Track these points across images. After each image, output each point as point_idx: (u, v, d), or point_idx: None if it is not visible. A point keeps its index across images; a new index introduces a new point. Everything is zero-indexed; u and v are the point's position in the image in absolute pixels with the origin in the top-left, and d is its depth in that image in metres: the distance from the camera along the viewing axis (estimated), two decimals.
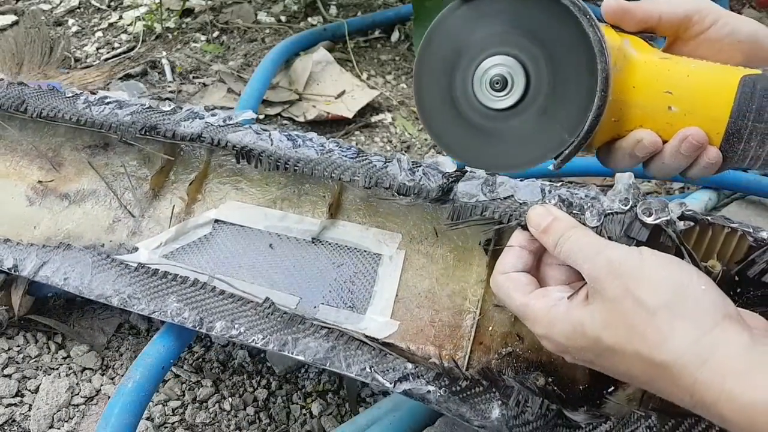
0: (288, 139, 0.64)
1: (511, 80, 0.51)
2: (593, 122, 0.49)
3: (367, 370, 0.56)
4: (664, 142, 0.51)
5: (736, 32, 0.53)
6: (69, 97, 0.71)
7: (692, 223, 0.52)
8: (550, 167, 0.53)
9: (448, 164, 0.59)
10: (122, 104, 0.70)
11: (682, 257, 0.49)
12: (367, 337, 0.59)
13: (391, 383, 0.56)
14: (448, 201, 0.59)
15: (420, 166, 0.60)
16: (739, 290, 0.53)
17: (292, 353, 0.59)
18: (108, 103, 0.70)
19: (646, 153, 0.51)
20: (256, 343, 0.60)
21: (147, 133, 0.68)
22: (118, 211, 0.74)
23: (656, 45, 0.55)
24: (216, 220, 0.71)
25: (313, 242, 0.68)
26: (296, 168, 0.63)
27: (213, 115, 0.68)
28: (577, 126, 0.49)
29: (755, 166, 0.51)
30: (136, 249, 0.70)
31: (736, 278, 0.52)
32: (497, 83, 0.51)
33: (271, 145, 0.64)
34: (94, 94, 0.72)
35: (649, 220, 0.50)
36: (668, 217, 0.50)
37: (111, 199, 0.74)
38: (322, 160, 0.62)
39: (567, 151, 0.50)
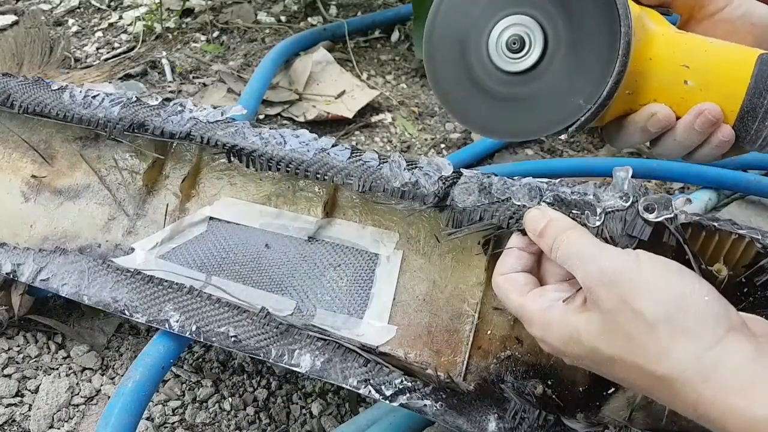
0: (279, 136, 0.62)
1: (529, 40, 0.48)
2: (612, 89, 0.47)
3: (364, 383, 0.55)
4: (677, 118, 0.49)
5: (750, 14, 0.52)
6: (55, 90, 0.69)
7: (695, 217, 0.50)
8: (563, 136, 0.52)
9: (445, 166, 0.57)
10: (109, 98, 0.68)
11: (684, 256, 0.47)
12: (363, 348, 0.58)
13: (386, 398, 0.54)
14: (446, 207, 0.56)
15: (415, 167, 0.58)
16: (745, 290, 0.51)
17: (289, 365, 0.58)
18: (94, 97, 0.68)
19: (660, 128, 0.50)
20: (252, 353, 0.59)
21: (135, 130, 0.66)
22: (112, 208, 0.72)
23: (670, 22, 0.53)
24: (211, 218, 0.70)
25: (310, 241, 0.66)
26: (288, 169, 0.61)
27: (201, 110, 0.66)
28: (594, 92, 0.47)
29: (766, 148, 0.49)
30: (133, 250, 0.69)
31: (743, 281, 0.50)
32: (514, 43, 0.48)
33: (262, 143, 0.62)
34: (80, 87, 0.70)
35: (651, 218, 0.47)
36: (672, 215, 0.47)
37: (105, 194, 0.73)
38: (315, 161, 0.60)
39: (583, 118, 0.48)
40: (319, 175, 0.60)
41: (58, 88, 0.70)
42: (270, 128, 0.63)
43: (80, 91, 0.69)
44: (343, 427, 0.67)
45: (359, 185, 0.58)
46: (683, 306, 0.40)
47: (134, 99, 0.68)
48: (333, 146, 0.61)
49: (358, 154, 0.60)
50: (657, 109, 0.49)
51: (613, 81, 0.47)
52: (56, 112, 0.69)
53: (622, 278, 0.42)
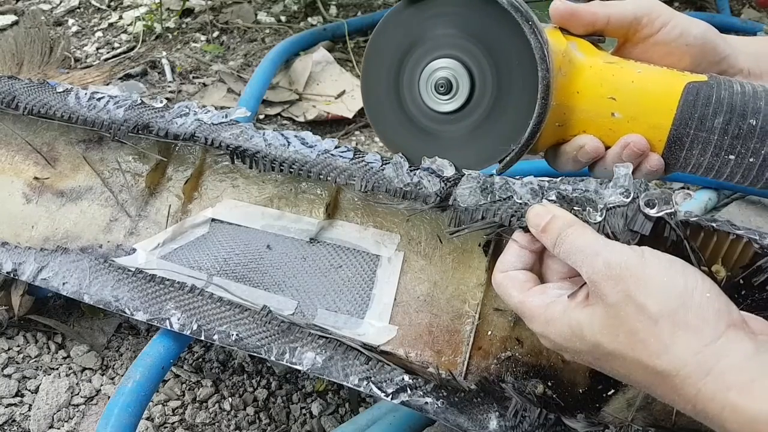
0: (283, 137, 0.63)
1: (456, 84, 0.50)
2: (534, 129, 0.49)
3: (365, 381, 0.55)
4: (607, 147, 0.51)
5: (686, 35, 0.53)
6: (60, 93, 0.70)
7: (693, 217, 0.51)
8: (494, 171, 0.53)
9: (447, 167, 0.57)
10: (114, 100, 0.68)
11: (684, 252, 0.47)
12: (364, 346, 0.58)
13: (388, 395, 0.55)
14: (448, 207, 0.57)
15: (418, 169, 0.58)
16: (743, 292, 0.52)
17: (291, 363, 0.58)
18: (99, 99, 0.68)
19: (589, 159, 0.52)
20: (254, 351, 0.59)
21: (139, 132, 0.67)
22: (114, 210, 0.72)
23: (606, 48, 0.54)
24: (213, 219, 0.70)
25: (311, 242, 0.67)
26: (291, 170, 0.62)
27: (205, 112, 0.66)
28: (519, 133, 0.49)
29: (698, 173, 0.51)
30: (134, 250, 0.70)
31: (741, 282, 0.51)
32: (442, 87, 0.50)
33: (266, 144, 0.63)
34: (85, 89, 0.71)
35: (652, 213, 0.48)
36: (672, 210, 0.48)
37: (107, 196, 0.73)
38: (317, 162, 0.61)
39: (509, 158, 0.51)
40: (321, 176, 0.61)
41: (63, 91, 0.70)
42: (274, 130, 0.64)
43: (85, 94, 0.69)
44: (343, 427, 0.67)
45: (362, 185, 0.59)
46: (685, 302, 0.40)
47: (139, 101, 0.68)
48: (336, 148, 0.62)
49: (361, 155, 0.61)
50: (585, 141, 0.51)
51: (534, 123, 0.49)
52: (61, 114, 0.69)
53: (627, 273, 0.42)
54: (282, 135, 0.63)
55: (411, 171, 0.58)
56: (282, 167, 0.62)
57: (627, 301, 0.41)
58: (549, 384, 0.56)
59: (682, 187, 1.12)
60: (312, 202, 0.68)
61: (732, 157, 0.49)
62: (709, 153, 0.50)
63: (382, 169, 0.59)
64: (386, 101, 0.54)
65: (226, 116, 0.66)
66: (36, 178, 0.75)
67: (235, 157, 0.65)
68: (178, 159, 0.73)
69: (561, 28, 0.52)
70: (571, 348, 0.45)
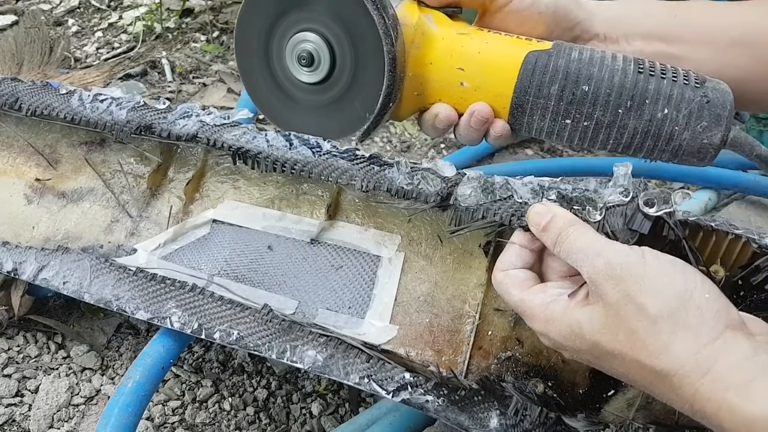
0: (285, 139, 0.63)
1: (317, 57, 0.52)
2: (385, 101, 0.52)
3: (366, 379, 0.56)
4: (461, 115, 0.54)
5: (537, 3, 0.55)
6: (63, 94, 0.70)
7: (692, 217, 0.51)
8: (355, 142, 0.57)
9: (447, 168, 0.58)
10: (117, 102, 0.69)
11: (683, 250, 0.48)
12: (365, 344, 0.58)
13: (389, 393, 0.55)
14: (449, 207, 0.57)
15: (419, 170, 0.59)
16: (742, 293, 0.52)
17: (291, 361, 0.58)
18: (102, 101, 0.69)
19: (445, 125, 0.55)
20: (255, 350, 0.59)
21: (142, 133, 0.67)
22: (116, 211, 0.73)
23: (464, 17, 0.57)
24: (214, 220, 0.70)
25: (312, 243, 0.67)
26: (293, 170, 0.62)
27: (208, 113, 0.67)
28: (373, 104, 0.52)
29: (541, 136, 0.54)
30: (135, 251, 0.70)
31: (740, 282, 0.51)
32: (304, 59, 0.53)
33: (268, 145, 0.63)
34: (88, 91, 0.71)
35: (651, 212, 0.48)
36: (671, 209, 0.48)
37: (109, 197, 0.73)
38: (319, 162, 0.61)
39: (365, 127, 0.54)
40: (323, 177, 0.61)
41: (67, 92, 0.70)
42: (276, 131, 0.64)
43: (88, 95, 0.70)
44: (343, 427, 0.67)
45: (363, 185, 0.59)
46: (685, 302, 0.41)
47: (141, 103, 0.68)
48: (337, 149, 0.62)
49: (362, 156, 0.61)
50: (440, 109, 0.55)
51: (384, 94, 0.51)
52: (64, 115, 0.69)
53: (627, 274, 0.42)
54: (283, 136, 0.63)
55: (412, 171, 0.58)
56: (284, 168, 0.62)
57: (627, 301, 0.42)
58: (549, 384, 0.57)
59: (682, 187, 1.12)
60: (313, 204, 0.68)
61: (568, 121, 0.52)
62: (547, 118, 0.53)
63: (383, 170, 0.59)
64: (257, 62, 0.57)
65: (228, 117, 0.66)
66: (37, 180, 0.76)
67: (237, 158, 0.65)
68: (180, 160, 0.74)
69: (418, 1, 0.55)
70: (571, 347, 0.45)
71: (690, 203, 1.00)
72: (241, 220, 0.69)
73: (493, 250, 0.61)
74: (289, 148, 0.62)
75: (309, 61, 0.53)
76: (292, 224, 0.68)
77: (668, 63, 0.53)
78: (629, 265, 0.43)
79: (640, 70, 0.51)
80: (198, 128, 0.65)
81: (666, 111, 0.50)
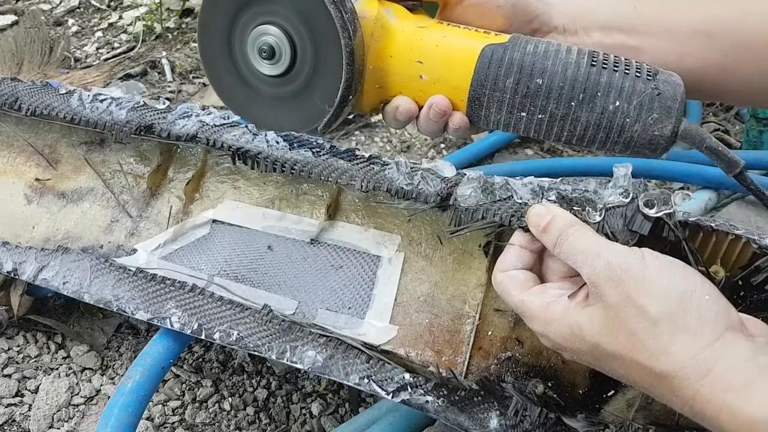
0: (284, 140, 0.63)
1: (278, 50, 0.53)
2: (344, 93, 0.52)
3: (366, 379, 0.56)
4: (421, 107, 0.55)
5: None
6: (63, 94, 0.70)
7: (692, 217, 0.51)
8: (319, 132, 0.57)
9: (447, 168, 0.58)
10: (116, 102, 0.69)
11: (683, 251, 0.48)
12: (365, 345, 0.58)
13: (388, 393, 0.55)
14: (448, 207, 0.57)
15: (419, 170, 0.59)
16: (742, 293, 0.52)
17: (291, 361, 0.58)
18: (102, 101, 0.69)
19: (405, 118, 0.55)
20: (255, 350, 0.59)
21: (142, 133, 0.67)
22: (116, 211, 0.73)
23: (425, 11, 0.58)
24: (214, 220, 0.70)
25: (312, 243, 0.67)
26: (293, 170, 0.62)
27: (208, 114, 0.67)
28: (333, 96, 0.53)
29: (499, 129, 0.55)
30: (135, 251, 0.70)
31: (740, 283, 0.51)
32: (264, 52, 0.53)
33: (267, 146, 0.63)
34: (88, 91, 0.71)
35: (651, 213, 0.48)
36: (671, 210, 0.48)
37: (109, 197, 0.73)
38: (319, 163, 0.61)
39: (326, 119, 0.54)
40: (323, 177, 0.61)
41: (66, 92, 0.70)
42: (276, 132, 0.64)
43: (88, 95, 0.70)
44: (343, 427, 0.67)
45: (363, 185, 0.59)
46: (685, 304, 0.41)
47: (141, 103, 0.68)
48: (337, 149, 0.62)
49: (363, 157, 0.61)
50: (400, 102, 0.55)
51: (342, 88, 0.52)
52: (64, 115, 0.69)
53: (627, 275, 0.42)
54: (282, 137, 0.64)
55: (412, 171, 0.58)
56: (284, 168, 0.62)
57: (627, 303, 0.42)
58: (549, 384, 0.57)
59: (682, 188, 1.12)
60: (313, 204, 0.68)
61: (523, 114, 0.53)
62: (504, 111, 0.53)
63: (383, 170, 0.59)
64: (219, 53, 0.57)
65: (228, 117, 0.66)
66: (37, 180, 0.76)
67: (237, 158, 0.65)
68: (180, 160, 0.74)
69: None
70: (571, 348, 0.45)
71: (690, 203, 1.00)
72: (241, 220, 0.69)
73: (493, 250, 0.61)
74: (290, 149, 0.62)
75: (270, 53, 0.53)
76: (292, 224, 0.68)
77: (627, 55, 0.54)
78: (629, 266, 0.43)
79: (593, 63, 0.51)
80: (198, 128, 0.65)
81: (617, 103, 0.51)
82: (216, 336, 0.60)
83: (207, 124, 0.65)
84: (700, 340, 0.39)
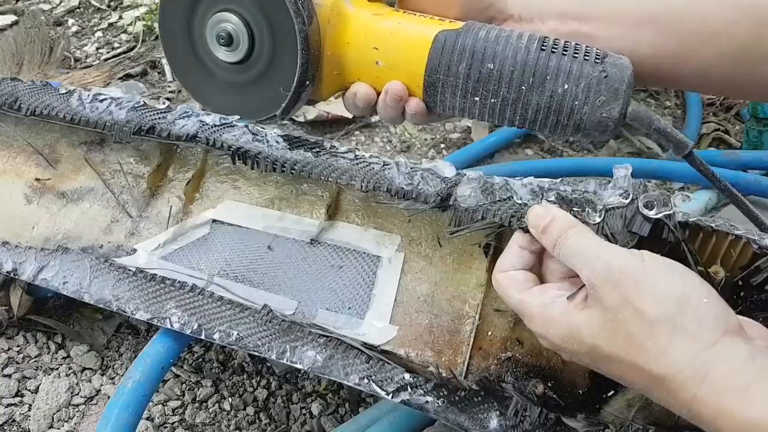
0: (284, 140, 0.63)
1: (236, 37, 0.53)
2: (300, 78, 0.53)
3: (365, 379, 0.56)
4: (379, 93, 0.56)
5: None
6: (63, 94, 0.70)
7: (692, 218, 0.51)
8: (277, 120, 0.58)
9: (447, 168, 0.58)
10: (116, 102, 0.69)
11: (682, 252, 0.48)
12: (365, 345, 0.58)
13: (388, 393, 0.55)
14: (449, 207, 0.57)
15: (418, 171, 0.59)
16: (742, 293, 0.52)
17: (291, 361, 0.58)
18: (102, 101, 0.69)
19: (364, 104, 0.56)
20: (254, 350, 0.59)
21: (142, 133, 0.67)
22: (115, 211, 0.73)
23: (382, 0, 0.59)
24: (214, 220, 0.70)
25: (312, 243, 0.67)
26: (293, 170, 0.62)
27: (208, 114, 0.67)
28: (290, 82, 0.53)
29: (455, 113, 0.56)
30: (135, 251, 0.70)
31: (740, 283, 0.51)
32: (222, 39, 0.54)
33: (267, 146, 0.63)
34: (88, 91, 0.71)
35: (651, 214, 0.48)
36: (671, 212, 0.48)
37: (109, 198, 0.73)
38: (319, 163, 0.61)
39: (284, 105, 0.55)
40: (323, 177, 0.61)
41: (66, 92, 0.70)
42: (273, 130, 0.64)
43: (88, 95, 0.70)
44: (343, 427, 0.67)
45: (362, 185, 0.59)
46: (683, 307, 0.40)
47: (141, 103, 0.68)
48: (337, 149, 0.62)
49: (363, 157, 0.61)
50: (357, 88, 0.56)
51: (298, 73, 0.53)
52: (63, 115, 0.69)
53: (626, 277, 0.42)
54: (282, 137, 0.64)
55: (412, 171, 0.58)
56: (284, 168, 0.62)
57: (625, 305, 0.42)
58: (549, 384, 0.57)
59: (682, 188, 1.12)
60: (313, 204, 0.68)
61: (477, 99, 0.54)
62: (458, 96, 0.54)
63: (384, 170, 0.59)
64: (179, 39, 0.57)
65: (227, 118, 0.66)
66: (37, 180, 0.76)
67: (236, 158, 0.65)
68: (180, 160, 0.74)
69: None
70: (569, 349, 0.45)
71: (690, 204, 1.00)
72: (241, 220, 0.69)
73: (493, 250, 0.61)
74: (290, 149, 0.62)
75: (228, 40, 0.54)
76: (292, 224, 0.68)
77: (582, 42, 0.54)
78: (628, 269, 0.42)
79: (543, 47, 0.52)
80: (198, 128, 0.65)
81: (566, 86, 0.52)
82: (216, 336, 0.60)
83: (207, 124, 0.65)
84: (699, 343, 0.39)
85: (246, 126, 0.65)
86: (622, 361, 0.42)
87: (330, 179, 0.61)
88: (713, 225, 0.51)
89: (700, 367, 0.39)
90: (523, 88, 0.52)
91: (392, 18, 0.55)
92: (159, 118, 0.67)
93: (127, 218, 0.72)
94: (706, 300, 0.41)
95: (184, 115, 0.66)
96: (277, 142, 0.63)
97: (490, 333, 0.61)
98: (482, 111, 0.54)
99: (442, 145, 1.20)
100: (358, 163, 0.60)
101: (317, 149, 0.61)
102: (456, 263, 0.63)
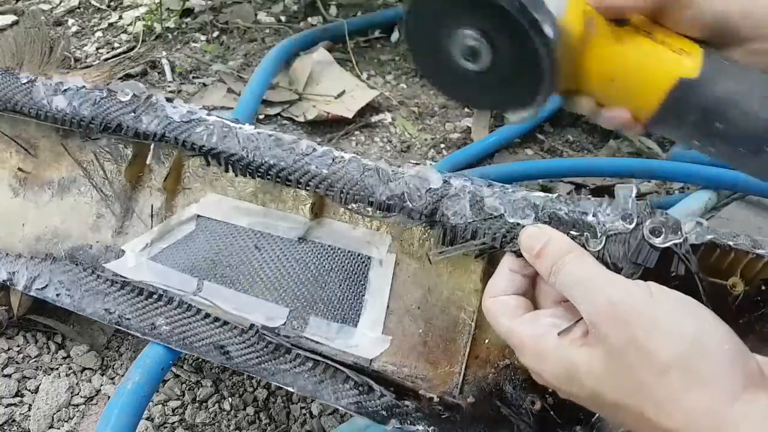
0: (257, 139, 0.59)
1: (480, 53, 0.53)
2: (543, 94, 0.52)
3: (354, 406, 0.53)
4: (602, 106, 0.54)
5: (703, 15, 0.50)
6: (24, 84, 0.66)
7: (708, 236, 0.46)
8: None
9: (433, 176, 0.53)
10: (78, 93, 0.65)
11: (694, 283, 0.43)
12: (356, 364, 0.56)
13: (378, 422, 0.52)
14: (436, 223, 0.53)
15: (402, 178, 0.54)
16: (762, 309, 0.47)
17: (282, 384, 0.56)
18: (65, 92, 0.65)
19: (587, 113, 0.54)
20: (245, 371, 0.57)
21: (108, 131, 0.64)
22: (100, 205, 0.70)
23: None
24: (198, 215, 0.67)
25: (300, 242, 0.63)
26: (269, 176, 0.58)
27: (174, 107, 0.63)
28: (533, 95, 0.52)
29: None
30: (123, 252, 0.67)
31: (758, 298, 0.46)
32: (467, 53, 0.53)
33: (240, 147, 0.59)
34: (49, 79, 0.67)
35: (658, 242, 0.43)
36: (680, 240, 0.43)
37: (92, 191, 0.71)
38: (296, 168, 0.57)
39: (527, 115, 0.54)
40: (300, 184, 0.57)
41: (27, 81, 0.67)
42: (246, 124, 0.60)
43: (50, 84, 0.66)
44: (342, 427, 0.66)
45: (341, 198, 0.55)
46: (698, 351, 0.36)
47: (105, 94, 0.65)
48: (314, 150, 0.57)
49: (341, 160, 0.57)
50: (584, 102, 0.55)
51: (543, 88, 0.51)
52: (28, 110, 0.67)
53: (633, 315, 0.37)
54: (257, 135, 0.59)
55: (395, 179, 0.54)
56: (259, 172, 0.58)
57: (633, 347, 0.37)
58: (547, 395, 0.53)
59: (682, 188, 1.12)
60: (297, 197, 0.64)
61: (697, 143, 0.51)
62: (679, 137, 0.53)
63: (364, 177, 0.54)
64: (436, 65, 0.57)
65: (195, 113, 0.63)
66: (20, 169, 0.73)
67: (209, 159, 0.61)
68: (156, 150, 0.70)
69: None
70: (566, 391, 0.41)
71: (690, 204, 0.99)
72: (226, 216, 0.66)
73: (488, 258, 0.57)
74: (261, 150, 0.58)
75: (473, 54, 0.53)
76: (277, 221, 0.64)
77: None
78: (635, 305, 0.37)
79: None
80: (165, 126, 0.61)
81: None
82: (206, 356, 0.59)
83: (174, 121, 0.61)
84: (715, 398, 0.34)
85: (218, 121, 0.61)
86: (628, 409, 0.37)
87: (308, 187, 0.57)
88: (731, 243, 0.45)
89: (720, 425, 0.34)
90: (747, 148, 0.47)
91: (632, 48, 0.52)
92: (124, 113, 0.63)
93: (111, 214, 0.70)
94: (722, 342, 0.36)
95: (149, 108, 0.62)
96: (248, 141, 0.59)
97: (487, 340, 0.57)
98: (701, 150, 0.52)
99: (442, 145, 1.19)
100: (336, 170, 0.56)
101: (290, 150, 0.58)
102: (451, 266, 0.59)
